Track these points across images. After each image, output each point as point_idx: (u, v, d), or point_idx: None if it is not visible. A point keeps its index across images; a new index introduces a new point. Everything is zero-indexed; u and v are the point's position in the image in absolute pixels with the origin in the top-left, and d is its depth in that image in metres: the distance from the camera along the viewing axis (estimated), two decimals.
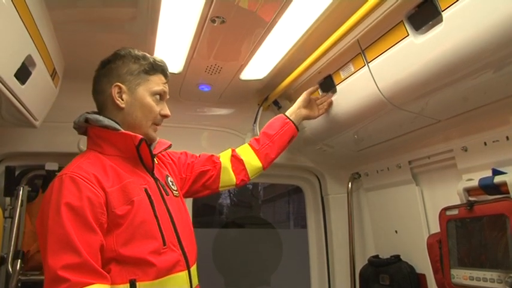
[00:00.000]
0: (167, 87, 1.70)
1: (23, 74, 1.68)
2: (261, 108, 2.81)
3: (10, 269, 2.33)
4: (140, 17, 1.88)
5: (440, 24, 1.52)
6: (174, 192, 1.74)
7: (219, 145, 2.85)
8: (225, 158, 2.07)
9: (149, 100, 1.63)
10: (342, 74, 2.14)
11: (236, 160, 2.07)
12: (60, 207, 1.35)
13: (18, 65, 1.62)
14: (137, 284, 1.41)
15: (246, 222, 4.52)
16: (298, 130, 2.18)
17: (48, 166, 2.53)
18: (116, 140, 1.59)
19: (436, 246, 1.96)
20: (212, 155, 2.06)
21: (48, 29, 1.87)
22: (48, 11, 1.81)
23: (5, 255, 2.35)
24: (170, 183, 1.76)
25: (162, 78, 1.68)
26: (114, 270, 1.40)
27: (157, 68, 1.66)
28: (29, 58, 1.70)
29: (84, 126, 1.63)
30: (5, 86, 1.56)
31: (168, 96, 1.71)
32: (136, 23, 1.93)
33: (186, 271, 1.56)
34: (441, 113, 1.95)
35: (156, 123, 1.67)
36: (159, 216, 1.54)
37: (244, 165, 2.07)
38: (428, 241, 2.05)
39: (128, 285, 1.41)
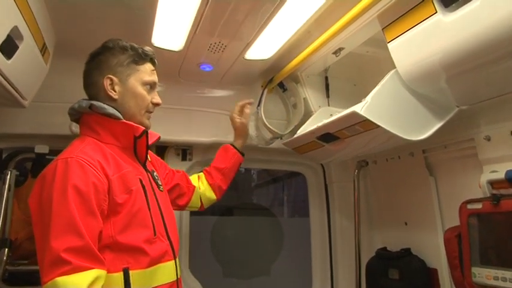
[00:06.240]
0: (156, 75, 1.76)
1: (8, 47, 1.56)
2: (266, 91, 2.66)
3: None
4: None
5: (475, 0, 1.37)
6: (159, 187, 1.80)
7: (219, 128, 2.77)
8: (195, 182, 2.22)
9: (141, 90, 1.69)
10: None
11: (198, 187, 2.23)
12: (67, 189, 1.38)
13: (3, 37, 1.49)
14: (130, 272, 1.46)
15: (243, 210, 4.41)
16: (243, 155, 2.36)
17: (38, 149, 2.44)
18: (115, 129, 1.64)
19: (455, 242, 1.85)
20: (187, 175, 2.21)
21: (37, 0, 1.71)
22: None
23: None
24: (156, 178, 1.81)
25: (151, 66, 1.74)
26: (108, 258, 1.43)
27: (146, 58, 1.72)
28: (15, 30, 1.56)
29: (81, 112, 1.66)
30: None
31: (157, 87, 1.78)
32: None
33: (174, 261, 1.64)
34: (462, 99, 1.82)
35: (148, 111, 1.73)
36: (151, 207, 1.61)
37: (200, 195, 2.22)
38: (446, 235, 1.94)
39: (122, 273, 1.45)
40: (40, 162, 2.38)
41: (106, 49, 1.68)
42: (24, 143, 2.49)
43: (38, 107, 2.26)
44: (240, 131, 2.40)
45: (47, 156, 2.39)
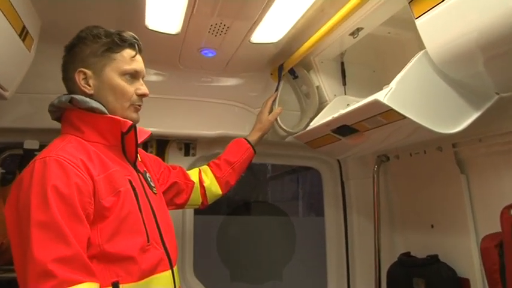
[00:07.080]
0: (140, 62, 1.60)
1: None
2: (281, 83, 2.47)
3: None
4: None
5: None
6: (153, 189, 1.67)
7: (225, 120, 2.58)
8: (195, 177, 2.11)
9: (119, 81, 1.54)
10: None
11: (201, 183, 2.12)
12: (46, 192, 1.25)
13: None
14: (120, 286, 1.34)
15: (252, 208, 4.27)
16: (255, 152, 2.28)
17: (27, 144, 2.29)
18: (100, 125, 1.51)
19: (495, 253, 1.61)
20: (185, 171, 2.10)
21: None
22: None
23: None
24: (149, 179, 1.68)
25: (131, 52, 1.57)
26: (96, 271, 1.29)
27: (123, 44, 1.55)
28: None
29: (63, 108, 1.53)
30: None
31: (144, 74, 1.61)
32: None
33: (170, 271, 1.52)
34: (503, 85, 1.58)
35: (134, 104, 1.58)
36: (143, 211, 1.48)
37: (205, 190, 2.12)
38: (484, 244, 1.69)
39: None
40: (29, 159, 2.19)
41: (80, 39, 1.55)
42: (12, 138, 2.34)
43: (24, 99, 2.13)
44: (264, 127, 2.37)
45: (36, 153, 2.22)
